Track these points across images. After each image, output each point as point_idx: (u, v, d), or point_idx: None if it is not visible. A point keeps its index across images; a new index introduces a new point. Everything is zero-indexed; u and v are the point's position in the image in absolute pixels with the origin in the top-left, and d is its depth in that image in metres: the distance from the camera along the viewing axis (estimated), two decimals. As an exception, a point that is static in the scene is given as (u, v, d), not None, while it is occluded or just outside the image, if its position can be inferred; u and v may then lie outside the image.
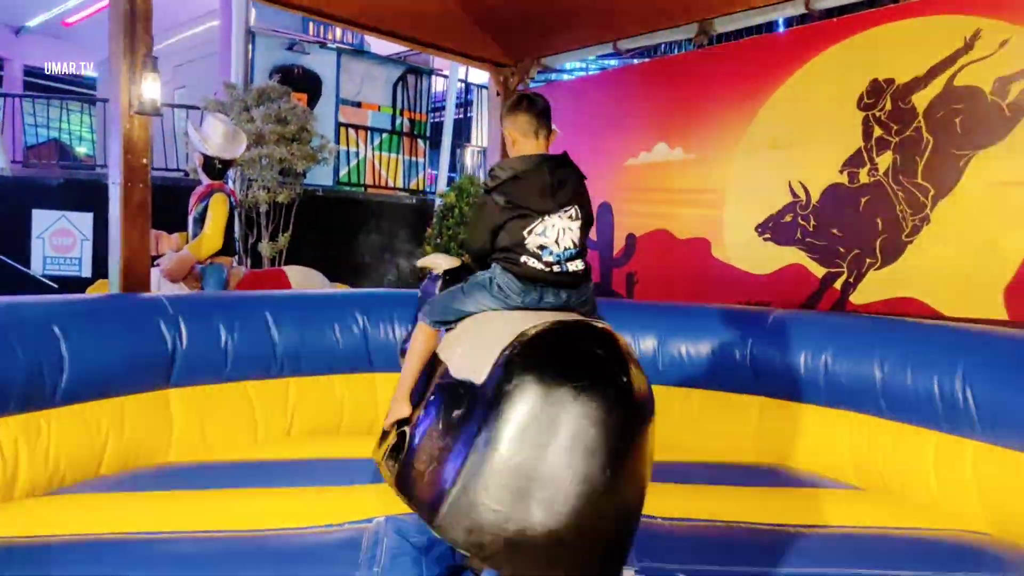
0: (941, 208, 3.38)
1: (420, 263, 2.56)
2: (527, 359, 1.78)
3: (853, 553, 2.25)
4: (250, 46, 8.76)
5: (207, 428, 3.07)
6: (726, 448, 3.29)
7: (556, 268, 2.08)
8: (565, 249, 2.09)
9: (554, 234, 2.07)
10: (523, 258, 2.07)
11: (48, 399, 2.57)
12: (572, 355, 1.78)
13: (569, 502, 1.65)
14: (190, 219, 4.49)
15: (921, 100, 3.46)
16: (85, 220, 7.95)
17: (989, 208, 3.23)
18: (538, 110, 2.17)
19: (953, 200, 3.34)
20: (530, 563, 1.70)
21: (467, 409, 1.85)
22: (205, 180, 4.51)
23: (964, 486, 2.56)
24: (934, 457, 2.67)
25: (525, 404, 1.71)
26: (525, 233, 2.07)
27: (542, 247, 2.07)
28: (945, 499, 2.63)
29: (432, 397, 2.09)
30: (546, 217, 2.07)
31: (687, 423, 3.42)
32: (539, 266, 2.07)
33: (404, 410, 2.21)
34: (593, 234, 4.82)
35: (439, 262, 2.48)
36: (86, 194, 7.85)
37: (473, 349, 2.01)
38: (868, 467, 2.89)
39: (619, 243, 4.75)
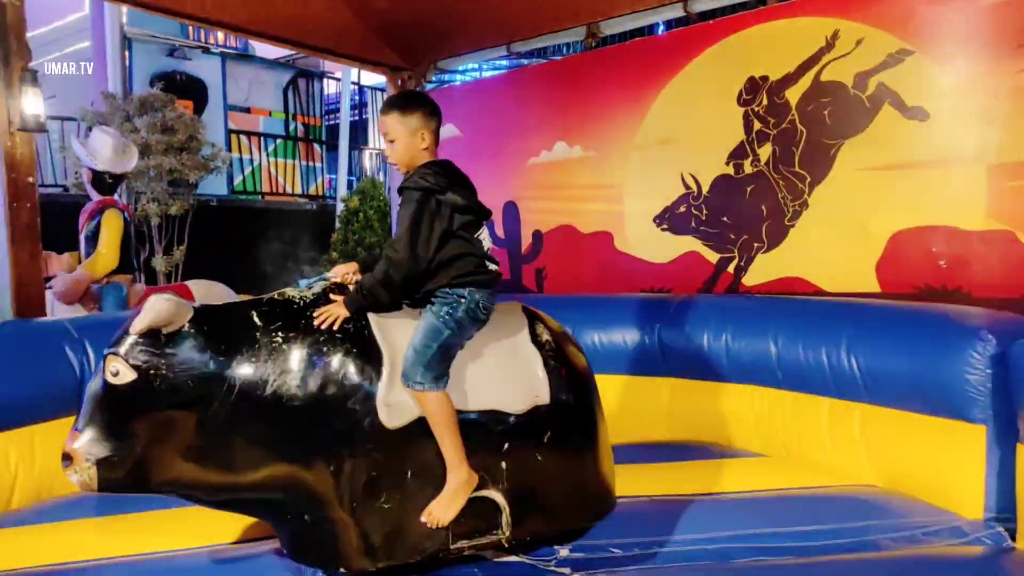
0: (817, 193, 3.68)
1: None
2: None
3: (762, 514, 2.45)
4: (127, 52, 8.36)
5: (123, 453, 2.97)
6: (641, 429, 3.47)
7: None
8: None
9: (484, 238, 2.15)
10: (489, 264, 2.09)
11: (-50, 435, 2.44)
12: None
13: None
14: (81, 238, 4.30)
15: (793, 95, 3.74)
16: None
17: (858, 192, 3.54)
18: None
19: (827, 186, 3.64)
20: None
21: None
22: (95, 196, 4.33)
23: (854, 445, 2.82)
24: (827, 421, 2.91)
25: None
26: (480, 238, 2.09)
27: (488, 249, 2.12)
28: (838, 458, 2.88)
29: None
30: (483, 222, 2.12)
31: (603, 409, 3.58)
32: (495, 268, 2.12)
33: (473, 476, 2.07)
34: (501, 232, 4.95)
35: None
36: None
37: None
38: (770, 435, 3.14)
39: (526, 240, 4.88)
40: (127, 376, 1.81)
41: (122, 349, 1.83)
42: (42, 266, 3.48)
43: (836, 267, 3.63)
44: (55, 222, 4.84)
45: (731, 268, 4.01)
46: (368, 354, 2.01)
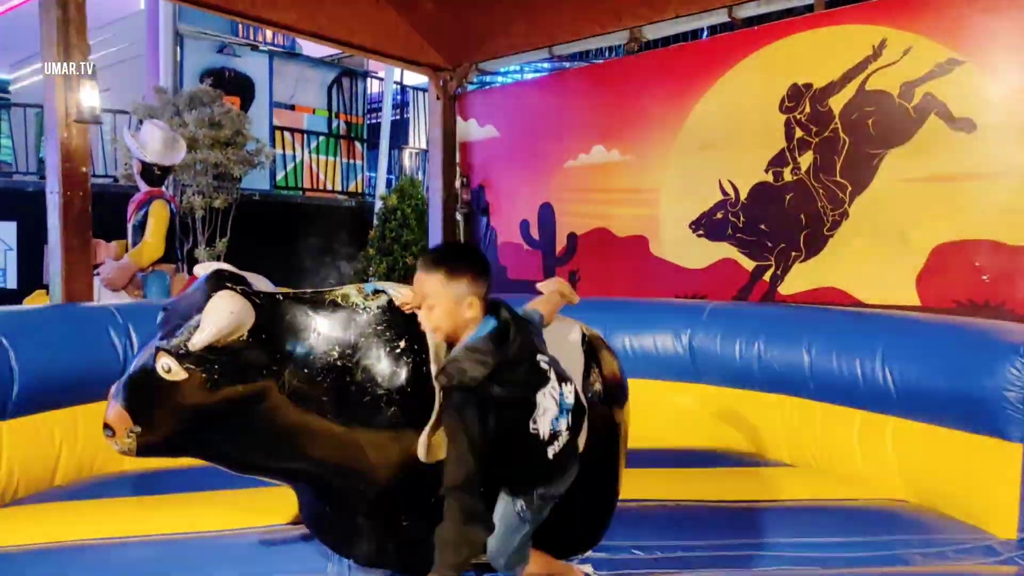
0: (858, 203, 3.63)
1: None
2: None
3: (788, 524, 2.43)
4: (178, 49, 8.59)
5: (161, 436, 3.06)
6: (669, 434, 3.46)
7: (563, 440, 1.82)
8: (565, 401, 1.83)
9: (553, 397, 1.80)
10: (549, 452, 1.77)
11: (-1, 411, 2.54)
12: None
13: None
14: (129, 227, 4.44)
15: (837, 103, 3.70)
16: (7, 230, 7.64)
17: (900, 203, 3.49)
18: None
19: (868, 196, 3.59)
20: None
21: None
22: (143, 187, 4.46)
23: (885, 458, 2.78)
24: (858, 434, 2.88)
25: None
26: (530, 425, 1.74)
27: (555, 431, 1.78)
28: (868, 471, 2.84)
29: None
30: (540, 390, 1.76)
31: (631, 412, 3.58)
32: (559, 448, 1.80)
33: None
34: (536, 233, 4.97)
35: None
36: (7, 203, 7.55)
37: None
38: (800, 446, 3.10)
39: (561, 242, 4.90)
40: (179, 375, 1.82)
41: (176, 348, 1.82)
42: (91, 253, 3.59)
43: (875, 278, 3.58)
44: (105, 211, 5.00)
45: (767, 276, 3.97)
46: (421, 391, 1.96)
